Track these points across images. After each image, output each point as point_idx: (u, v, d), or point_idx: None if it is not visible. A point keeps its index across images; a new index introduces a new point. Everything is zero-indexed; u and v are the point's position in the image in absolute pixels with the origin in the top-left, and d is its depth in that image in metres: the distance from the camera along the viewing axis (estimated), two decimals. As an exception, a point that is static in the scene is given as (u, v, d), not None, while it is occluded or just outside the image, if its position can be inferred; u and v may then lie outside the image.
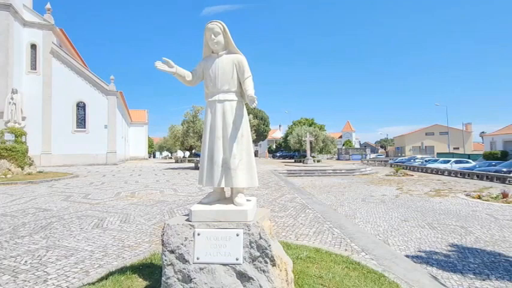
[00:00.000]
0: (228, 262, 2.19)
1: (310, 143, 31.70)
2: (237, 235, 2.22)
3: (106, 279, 2.91)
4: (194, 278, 2.18)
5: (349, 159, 49.22)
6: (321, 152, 40.79)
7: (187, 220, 2.36)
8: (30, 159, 15.86)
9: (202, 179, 2.52)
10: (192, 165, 27.05)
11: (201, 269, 2.19)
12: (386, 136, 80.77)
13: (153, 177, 16.41)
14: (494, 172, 17.87)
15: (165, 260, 2.23)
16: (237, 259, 2.18)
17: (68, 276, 3.32)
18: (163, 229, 2.33)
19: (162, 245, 2.28)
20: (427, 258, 4.58)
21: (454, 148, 53.85)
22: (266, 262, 2.18)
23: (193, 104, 24.29)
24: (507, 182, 15.44)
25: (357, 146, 75.79)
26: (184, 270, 2.20)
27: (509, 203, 9.06)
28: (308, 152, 30.63)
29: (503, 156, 31.63)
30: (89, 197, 9.19)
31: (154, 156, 75.06)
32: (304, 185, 14.25)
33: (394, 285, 2.75)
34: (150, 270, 3.08)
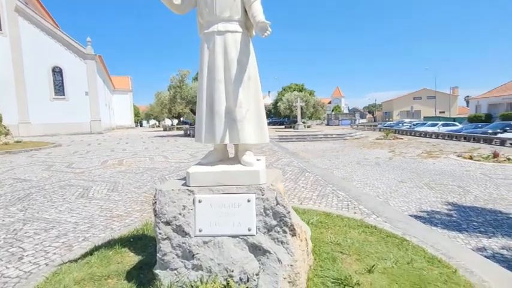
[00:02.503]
0: (238, 233, 1.78)
1: (301, 108, 31.19)
2: (248, 201, 1.79)
3: (91, 254, 2.50)
4: (197, 254, 1.78)
5: (338, 125, 49.31)
6: (310, 117, 40.46)
7: (185, 185, 1.91)
8: (5, 128, 14.77)
9: (200, 135, 2.02)
10: (182, 132, 26.32)
11: (205, 242, 1.79)
12: (374, 101, 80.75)
13: (142, 144, 15.78)
14: (481, 134, 18.16)
15: (160, 234, 1.81)
16: (249, 229, 1.78)
17: (48, 252, 2.90)
18: (154, 196, 1.87)
19: (155, 215, 1.84)
20: (430, 218, 4.45)
21: (440, 112, 54.52)
22: (285, 232, 1.79)
23: (180, 68, 22.87)
24: (493, 143, 15.71)
25: (346, 111, 75.89)
26: (184, 245, 1.79)
27: (500, 163, 9.12)
28: (299, 117, 30.21)
29: (487, 119, 32.16)
30: (73, 166, 8.61)
31: (141, 125, 73.24)
32: (297, 150, 14.01)
33: (419, 250, 2.47)
34: (142, 243, 2.69)
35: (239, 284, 1.71)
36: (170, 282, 1.78)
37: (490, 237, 3.84)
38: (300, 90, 44.79)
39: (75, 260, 2.44)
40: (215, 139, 1.95)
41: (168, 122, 55.46)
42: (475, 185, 6.52)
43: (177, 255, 1.80)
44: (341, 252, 2.35)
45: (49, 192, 5.49)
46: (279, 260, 1.75)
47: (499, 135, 16.86)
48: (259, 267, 1.76)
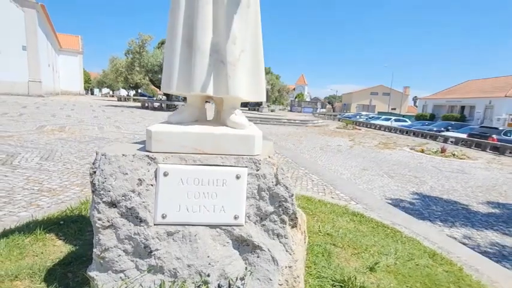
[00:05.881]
0: (220, 222, 1.25)
1: (266, 91, 30.89)
2: (238, 177, 1.25)
3: (-3, 242, 1.76)
4: (157, 250, 1.21)
5: (301, 112, 50.25)
6: (274, 102, 40.45)
7: (143, 150, 1.29)
8: None
9: (170, 80, 1.37)
10: (139, 104, 24.19)
11: (169, 234, 1.22)
12: (335, 93, 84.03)
13: (91, 113, 14.01)
14: (428, 131, 20.05)
15: (99, 220, 1.18)
16: (235, 217, 1.25)
17: None
18: (93, 164, 1.23)
19: (93, 192, 1.20)
20: (395, 206, 4.48)
21: (392, 109, 58.83)
22: (283, 222, 1.30)
23: (140, 32, 20.59)
24: (438, 139, 17.36)
25: (308, 99, 77.84)
26: (137, 237, 1.20)
27: (447, 157, 10.02)
28: (264, 100, 29.96)
29: (431, 118, 35.54)
30: (-2, 129, 7.13)
31: (92, 93, 66.41)
32: (262, 132, 13.71)
33: (415, 243, 2.20)
34: (77, 227, 2.01)
35: (217, 293, 1.20)
36: (112, 290, 1.20)
37: (451, 227, 3.97)
38: (266, 73, 44.32)
39: (-30, 250, 1.69)
40: (193, 87, 1.32)
41: (123, 92, 51.08)
42: (428, 176, 6.97)
43: (125, 251, 1.21)
44: (334, 245, 1.97)
45: (-43, 156, 4.32)
46: (274, 260, 1.26)
47: (443, 133, 18.79)
48: (246, 268, 1.26)
